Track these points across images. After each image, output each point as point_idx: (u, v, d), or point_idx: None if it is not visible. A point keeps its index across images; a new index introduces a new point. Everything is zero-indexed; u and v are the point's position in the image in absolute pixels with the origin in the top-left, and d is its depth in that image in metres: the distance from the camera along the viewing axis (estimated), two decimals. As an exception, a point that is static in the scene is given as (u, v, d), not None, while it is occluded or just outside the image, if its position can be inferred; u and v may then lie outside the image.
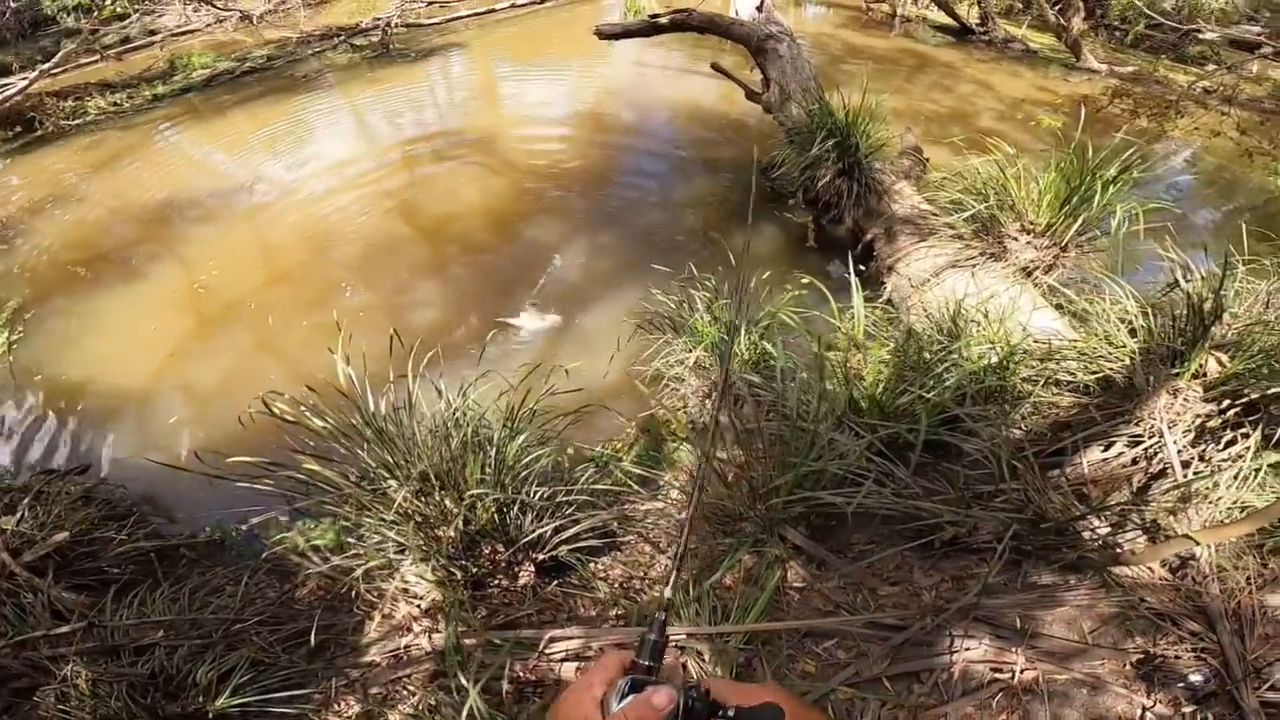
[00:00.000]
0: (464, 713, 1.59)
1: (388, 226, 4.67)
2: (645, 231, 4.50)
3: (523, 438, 2.22)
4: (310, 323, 3.81)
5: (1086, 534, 2.11)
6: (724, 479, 2.26)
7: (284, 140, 6.04)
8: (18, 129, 6.46)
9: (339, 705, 1.84)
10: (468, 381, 2.40)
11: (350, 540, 2.19)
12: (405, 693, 1.87)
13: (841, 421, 2.36)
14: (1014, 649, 1.78)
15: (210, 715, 1.67)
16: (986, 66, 7.26)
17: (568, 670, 1.89)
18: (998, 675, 1.74)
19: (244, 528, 2.75)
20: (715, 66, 5.40)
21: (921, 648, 1.85)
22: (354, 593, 2.11)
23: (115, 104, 6.85)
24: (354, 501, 2.01)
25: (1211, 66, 7.02)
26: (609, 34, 5.25)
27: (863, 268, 4.00)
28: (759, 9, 5.31)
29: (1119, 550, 2.06)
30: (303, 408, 2.12)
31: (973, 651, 1.80)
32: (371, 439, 2.18)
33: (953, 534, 2.13)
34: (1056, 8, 7.22)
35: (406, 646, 1.97)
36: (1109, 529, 2.12)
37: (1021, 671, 1.73)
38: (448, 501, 1.98)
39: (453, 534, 2.06)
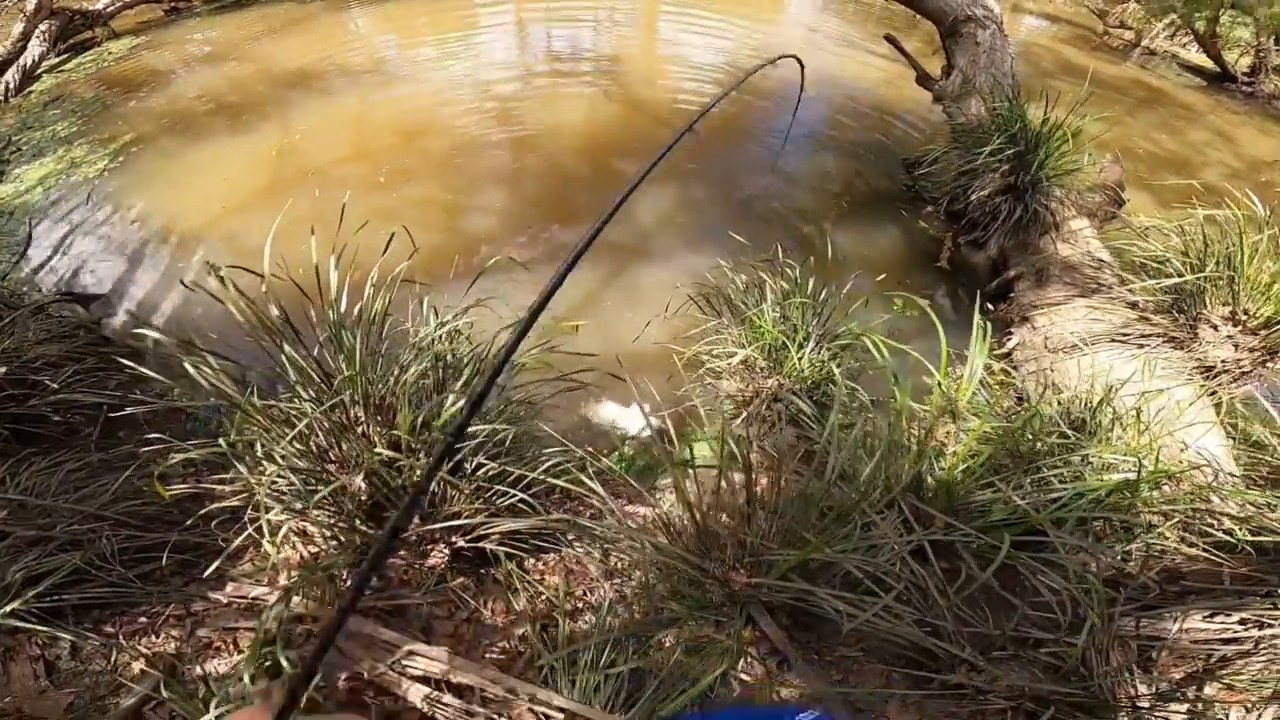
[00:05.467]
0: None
1: (482, 128, 4.36)
2: (745, 198, 3.87)
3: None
4: (360, 203, 3.54)
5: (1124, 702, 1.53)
6: (701, 530, 1.71)
7: (445, 29, 5.87)
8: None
9: (155, 638, 1.53)
10: (451, 309, 1.99)
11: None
12: (230, 648, 1.53)
13: (894, 502, 1.74)
14: None
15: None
16: (1236, 118, 5.88)
17: (416, 693, 1.47)
18: None
19: (209, 403, 2.53)
20: (889, 38, 4.55)
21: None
22: (247, 516, 1.78)
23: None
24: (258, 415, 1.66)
25: None
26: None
27: (990, 307, 3.20)
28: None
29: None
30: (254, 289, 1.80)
31: None
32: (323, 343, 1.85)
33: (962, 681, 1.52)
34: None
35: (258, 597, 1.62)
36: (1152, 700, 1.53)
37: None
38: (358, 447, 1.59)
39: (362, 485, 1.68)
